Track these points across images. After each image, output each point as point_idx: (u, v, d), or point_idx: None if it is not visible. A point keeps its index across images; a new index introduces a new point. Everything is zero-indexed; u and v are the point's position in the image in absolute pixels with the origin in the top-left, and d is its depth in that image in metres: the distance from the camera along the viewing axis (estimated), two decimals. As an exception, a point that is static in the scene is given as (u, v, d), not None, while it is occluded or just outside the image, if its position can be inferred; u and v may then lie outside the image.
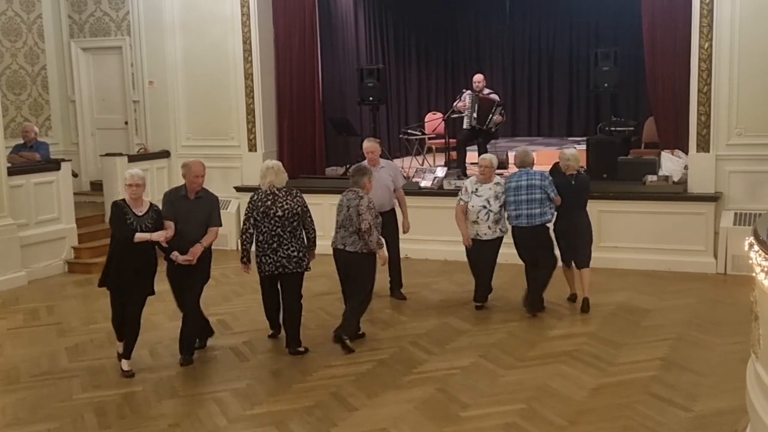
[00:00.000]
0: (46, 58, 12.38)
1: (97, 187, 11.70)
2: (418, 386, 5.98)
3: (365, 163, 7.79)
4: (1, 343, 7.35)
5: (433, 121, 13.74)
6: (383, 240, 7.06)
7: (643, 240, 9.35)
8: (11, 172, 9.64)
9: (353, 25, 14.18)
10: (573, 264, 7.88)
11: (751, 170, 9.12)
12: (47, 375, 6.49)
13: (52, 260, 10.09)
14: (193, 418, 5.56)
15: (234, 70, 11.39)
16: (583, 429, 5.21)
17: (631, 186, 9.68)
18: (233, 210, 11.18)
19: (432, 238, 9.72)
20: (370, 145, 8.09)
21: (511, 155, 12.28)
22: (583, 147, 10.80)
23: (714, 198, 9.21)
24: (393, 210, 8.14)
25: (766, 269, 4.01)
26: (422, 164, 12.56)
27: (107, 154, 11.33)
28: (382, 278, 7.80)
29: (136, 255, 6.24)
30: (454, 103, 12.11)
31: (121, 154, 11.28)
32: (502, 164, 11.87)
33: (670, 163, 9.76)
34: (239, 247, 7.11)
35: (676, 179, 9.63)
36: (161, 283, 6.66)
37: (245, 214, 6.83)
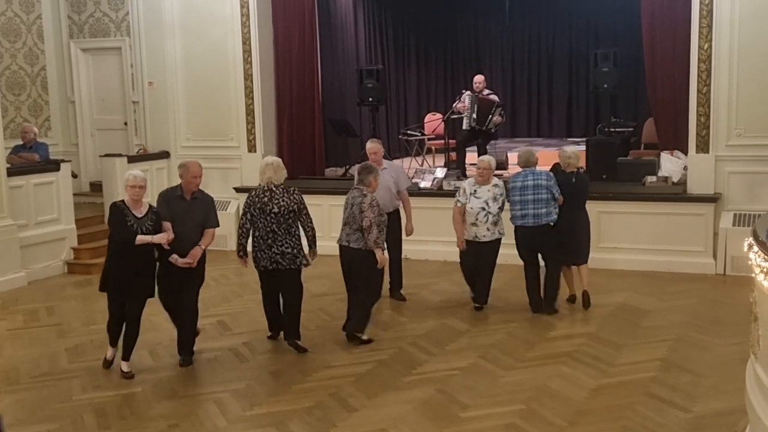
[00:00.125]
0: (46, 59, 12.38)
1: (96, 187, 11.70)
2: (417, 387, 5.98)
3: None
4: (0, 344, 7.35)
5: (433, 121, 13.75)
6: (384, 243, 7.03)
7: (643, 241, 9.36)
8: (11, 172, 9.64)
9: (353, 25, 14.19)
10: (572, 264, 7.90)
11: (751, 171, 9.12)
12: (47, 376, 6.49)
13: (51, 261, 10.09)
14: (192, 419, 5.56)
15: (233, 71, 11.40)
16: (582, 430, 5.21)
17: (630, 187, 9.69)
18: (233, 211, 11.18)
19: (432, 239, 9.71)
20: (373, 146, 8.08)
21: (511, 156, 12.32)
22: (583, 148, 10.79)
23: (713, 199, 9.22)
24: (396, 212, 8.12)
25: (765, 270, 4.01)
26: (422, 165, 12.56)
27: (107, 155, 11.33)
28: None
29: (137, 257, 6.22)
30: (454, 104, 12.11)
31: (120, 155, 11.27)
32: (502, 165, 11.88)
33: (669, 164, 9.76)
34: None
35: (675, 180, 9.64)
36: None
37: (243, 210, 6.93)
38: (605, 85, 10.76)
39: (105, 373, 6.47)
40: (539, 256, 7.82)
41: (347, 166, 11.90)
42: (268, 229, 6.72)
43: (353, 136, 12.34)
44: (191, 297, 6.63)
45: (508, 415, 5.42)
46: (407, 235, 8.19)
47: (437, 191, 10.20)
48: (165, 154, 11.87)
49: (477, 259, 7.74)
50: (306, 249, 6.91)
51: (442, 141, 12.68)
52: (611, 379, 6.04)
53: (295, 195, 6.82)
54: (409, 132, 13.57)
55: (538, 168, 7.82)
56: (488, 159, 7.91)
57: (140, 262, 6.26)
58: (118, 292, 6.35)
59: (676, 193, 9.46)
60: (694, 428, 5.17)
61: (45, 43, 12.34)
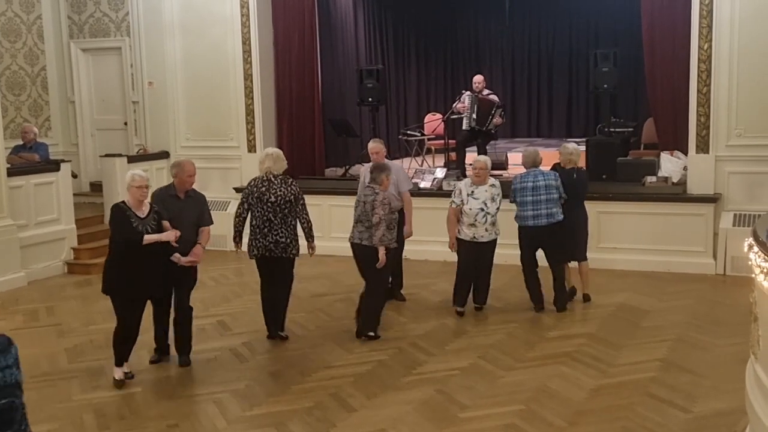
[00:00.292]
0: (46, 59, 12.38)
1: (96, 187, 11.70)
2: (417, 387, 5.98)
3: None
4: (0, 344, 7.34)
5: (433, 121, 13.74)
6: (393, 242, 7.11)
7: (643, 241, 9.36)
8: (11, 173, 9.64)
9: (353, 25, 14.18)
10: (571, 260, 7.98)
11: (751, 171, 9.12)
12: (46, 376, 6.49)
13: (51, 261, 10.09)
14: (192, 419, 5.56)
15: (233, 71, 11.40)
16: (582, 430, 5.20)
17: (630, 187, 9.68)
18: (232, 211, 11.12)
19: (431, 239, 9.70)
20: (375, 145, 8.06)
21: (511, 156, 12.31)
22: (583, 148, 10.78)
23: (713, 199, 9.21)
24: (398, 212, 8.10)
25: (765, 270, 4.01)
26: (421, 165, 12.56)
27: (107, 155, 11.34)
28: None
29: (146, 257, 6.04)
30: (454, 105, 12.10)
31: (120, 155, 11.28)
32: (501, 165, 11.90)
33: (669, 164, 9.76)
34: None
35: (675, 180, 9.63)
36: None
37: (241, 198, 7.09)
38: (605, 85, 10.76)
39: (104, 373, 6.45)
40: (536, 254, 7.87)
41: (347, 166, 11.91)
42: (265, 218, 6.87)
43: (353, 136, 12.34)
44: (184, 297, 6.60)
45: (508, 415, 5.41)
46: (405, 238, 8.15)
47: (437, 191, 10.20)
48: (165, 154, 11.87)
49: (477, 260, 7.73)
50: (305, 243, 7.02)
51: (442, 141, 12.68)
52: (611, 379, 6.03)
53: (292, 186, 6.98)
54: (408, 132, 13.56)
55: (542, 168, 7.86)
56: (484, 159, 7.89)
57: (152, 260, 6.09)
58: (133, 293, 6.12)
59: (676, 193, 9.46)
60: (694, 428, 5.16)
61: (45, 43, 12.34)
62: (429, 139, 13.50)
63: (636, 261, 9.31)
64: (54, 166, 10.33)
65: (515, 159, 11.49)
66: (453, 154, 12.03)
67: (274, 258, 6.93)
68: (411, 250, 9.31)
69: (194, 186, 6.67)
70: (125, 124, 12.37)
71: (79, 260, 10.24)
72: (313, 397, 5.86)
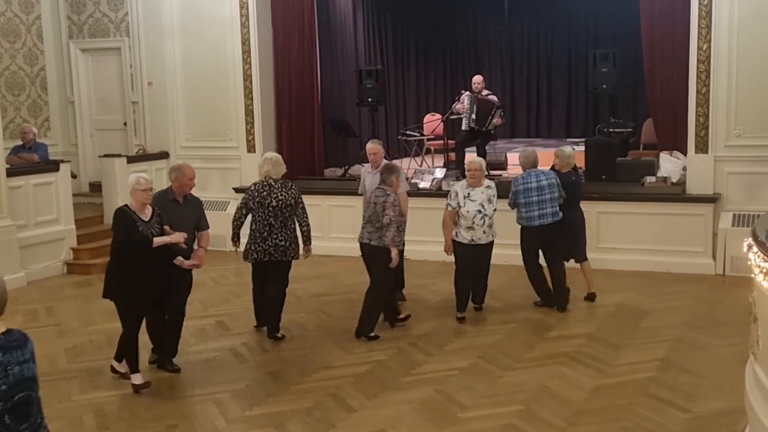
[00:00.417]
0: (45, 59, 12.38)
1: (96, 188, 11.70)
2: (417, 387, 5.98)
3: (395, 162, 7.86)
4: None
5: (432, 122, 13.76)
6: (402, 242, 7.20)
7: (642, 241, 9.36)
8: (10, 173, 9.64)
9: (352, 26, 14.19)
10: (569, 259, 8.01)
11: (750, 171, 9.12)
12: (46, 376, 6.43)
13: (51, 261, 10.09)
14: (191, 420, 5.56)
15: (233, 72, 11.40)
16: (581, 430, 5.21)
17: (629, 187, 9.69)
18: (232, 211, 11.11)
19: (431, 239, 9.69)
20: (372, 146, 8.08)
21: (510, 156, 12.31)
22: (582, 148, 10.80)
23: (712, 199, 9.22)
24: None
25: (764, 270, 4.01)
26: (421, 165, 12.57)
27: (106, 155, 11.34)
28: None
29: (151, 260, 5.97)
30: (453, 105, 12.11)
31: (120, 156, 11.28)
32: (501, 165, 11.90)
33: (668, 165, 9.77)
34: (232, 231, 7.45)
35: (674, 180, 9.64)
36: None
37: (241, 202, 7.17)
38: (604, 86, 10.76)
39: (104, 373, 6.46)
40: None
41: (346, 167, 11.91)
42: (265, 222, 6.94)
43: (352, 136, 12.35)
44: (181, 301, 6.55)
45: (508, 415, 5.42)
46: None
47: (436, 191, 10.19)
48: (164, 155, 11.88)
49: (476, 263, 7.68)
50: (301, 246, 7.10)
51: (441, 141, 12.68)
52: (610, 379, 6.04)
53: (292, 190, 7.07)
54: (408, 132, 13.57)
55: (540, 168, 7.88)
56: (479, 160, 7.83)
57: (156, 262, 6.02)
58: (138, 294, 6.01)
59: (675, 193, 9.47)
60: (694, 428, 5.17)
61: (44, 44, 12.34)
62: (428, 140, 13.51)
63: (635, 261, 9.32)
64: (53, 166, 10.33)
65: (515, 159, 11.48)
66: (452, 155, 12.04)
67: (273, 262, 7.01)
68: (411, 250, 9.28)
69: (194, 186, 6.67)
70: (125, 124, 12.37)
71: (78, 260, 10.24)
72: (313, 397, 5.86)
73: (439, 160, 12.83)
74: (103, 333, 7.43)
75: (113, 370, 6.39)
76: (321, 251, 9.49)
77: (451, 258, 7.80)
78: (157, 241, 5.97)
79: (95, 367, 6.61)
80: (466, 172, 7.74)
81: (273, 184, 7.00)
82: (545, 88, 17.52)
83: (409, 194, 8.61)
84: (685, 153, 9.64)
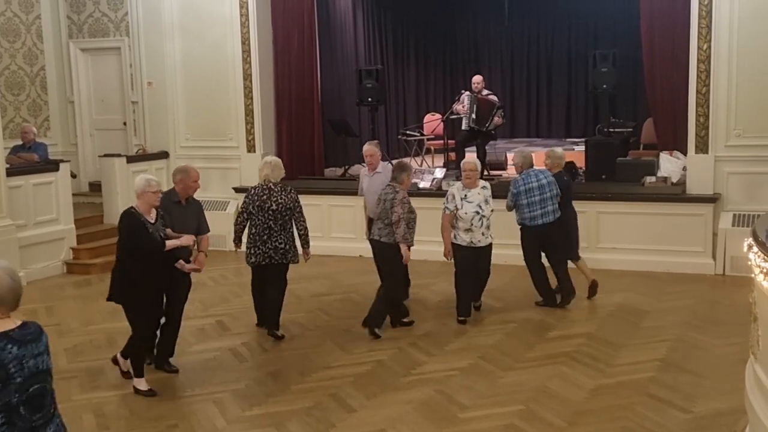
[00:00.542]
0: (45, 59, 12.37)
1: (95, 187, 11.70)
2: (417, 387, 5.98)
3: (406, 159, 7.89)
4: None
5: (432, 122, 13.76)
6: (412, 240, 7.26)
7: (642, 241, 9.35)
8: (10, 173, 9.62)
9: (352, 26, 14.19)
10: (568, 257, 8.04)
11: (750, 171, 9.12)
12: (46, 376, 6.47)
13: (50, 261, 10.07)
14: (191, 419, 5.56)
15: (233, 72, 11.39)
16: (581, 430, 5.21)
17: (629, 187, 9.69)
18: (231, 211, 11.17)
19: (431, 239, 9.68)
20: (369, 148, 8.09)
21: (510, 156, 12.30)
22: (582, 148, 10.80)
23: (712, 199, 9.22)
24: None
25: (764, 270, 4.01)
26: (421, 165, 12.57)
27: (106, 155, 11.34)
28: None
29: (162, 262, 5.91)
30: (453, 105, 12.11)
31: (119, 155, 11.28)
32: (500, 165, 11.90)
33: (668, 165, 9.77)
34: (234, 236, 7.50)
35: (674, 180, 9.64)
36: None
37: (242, 206, 7.25)
38: (604, 86, 10.76)
39: (104, 373, 6.46)
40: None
41: (346, 167, 11.91)
42: (265, 225, 7.01)
43: (352, 136, 12.35)
44: (179, 303, 6.53)
45: (508, 415, 5.41)
46: None
47: (436, 191, 10.18)
48: (164, 155, 11.87)
49: (476, 265, 7.61)
50: (300, 249, 7.17)
51: (441, 141, 12.69)
52: (610, 379, 6.03)
53: (291, 193, 7.15)
54: (408, 132, 13.58)
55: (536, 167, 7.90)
56: (474, 160, 7.77)
57: (162, 263, 5.95)
58: (147, 294, 5.96)
59: (675, 193, 9.47)
60: (694, 428, 5.17)
61: (44, 43, 12.33)
62: (428, 139, 13.52)
63: (635, 261, 9.31)
64: (53, 166, 10.33)
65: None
66: (452, 155, 12.04)
67: (273, 265, 7.08)
68: (411, 250, 9.31)
69: None
70: (124, 124, 12.37)
71: (78, 260, 10.23)
72: (313, 397, 5.86)
73: (439, 160, 12.84)
74: (103, 333, 7.43)
75: (114, 361, 6.37)
76: (321, 251, 9.48)
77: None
78: (170, 244, 5.87)
79: (95, 367, 6.61)
80: (462, 173, 7.68)
81: (272, 187, 7.08)
82: (545, 88, 17.52)
83: (410, 194, 8.59)
84: (685, 153, 9.64)
